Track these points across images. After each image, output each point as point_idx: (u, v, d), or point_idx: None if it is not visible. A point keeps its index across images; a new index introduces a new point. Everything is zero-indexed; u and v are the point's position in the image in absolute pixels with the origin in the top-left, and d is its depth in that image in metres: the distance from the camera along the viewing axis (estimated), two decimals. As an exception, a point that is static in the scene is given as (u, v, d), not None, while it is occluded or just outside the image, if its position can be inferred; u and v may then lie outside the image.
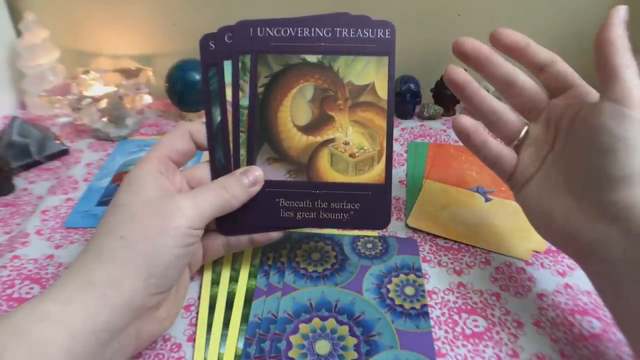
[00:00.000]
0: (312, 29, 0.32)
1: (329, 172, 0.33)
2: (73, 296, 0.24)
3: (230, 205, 0.30)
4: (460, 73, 0.33)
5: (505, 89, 0.33)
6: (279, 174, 0.33)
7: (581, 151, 0.28)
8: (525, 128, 0.33)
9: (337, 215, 0.33)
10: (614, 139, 0.26)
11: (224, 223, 0.33)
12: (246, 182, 0.31)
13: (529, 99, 0.33)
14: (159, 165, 0.30)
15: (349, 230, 0.40)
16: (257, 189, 0.32)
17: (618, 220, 0.26)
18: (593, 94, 0.30)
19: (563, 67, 0.32)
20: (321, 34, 0.32)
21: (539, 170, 0.31)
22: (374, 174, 0.33)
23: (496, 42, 0.33)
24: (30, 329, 0.22)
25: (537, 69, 0.32)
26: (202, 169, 0.33)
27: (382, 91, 0.32)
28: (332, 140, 0.33)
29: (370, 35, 0.32)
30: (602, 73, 0.28)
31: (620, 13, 0.28)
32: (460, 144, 0.52)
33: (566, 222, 0.29)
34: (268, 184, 0.33)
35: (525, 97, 0.33)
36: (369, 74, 0.32)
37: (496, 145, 0.33)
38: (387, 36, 0.32)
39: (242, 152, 0.33)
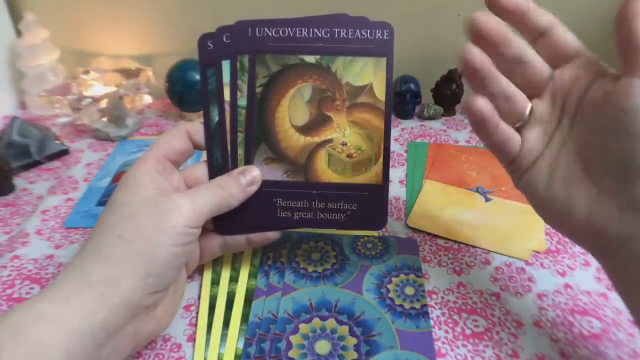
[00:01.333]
0: (311, 30, 0.32)
1: (326, 172, 0.33)
2: (70, 296, 0.24)
3: (227, 204, 0.30)
4: (478, 54, 0.29)
5: (514, 68, 0.29)
6: (276, 174, 0.33)
7: (603, 136, 0.25)
8: (529, 107, 0.29)
9: (334, 216, 0.33)
10: None
11: (221, 223, 0.33)
12: (244, 181, 0.31)
13: (536, 76, 0.29)
14: (156, 164, 0.30)
15: (346, 230, 0.40)
16: (254, 188, 0.32)
17: None
18: (602, 67, 0.27)
19: (563, 32, 0.28)
20: (319, 35, 0.32)
21: (545, 152, 0.29)
22: (371, 175, 0.33)
23: (494, 6, 0.29)
24: (27, 328, 0.22)
25: (536, 35, 0.29)
26: (200, 169, 0.33)
27: (380, 92, 0.32)
28: (329, 141, 0.33)
29: (369, 36, 0.32)
30: (627, 48, 0.24)
31: None
32: (461, 144, 0.53)
33: (589, 216, 0.26)
34: (265, 184, 0.33)
35: (532, 74, 0.29)
36: (367, 74, 0.32)
37: (506, 129, 0.29)
38: (385, 37, 0.32)
39: (240, 152, 0.33)
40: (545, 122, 0.29)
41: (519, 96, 0.30)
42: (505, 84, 0.29)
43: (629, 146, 0.24)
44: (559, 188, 0.27)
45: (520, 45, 0.29)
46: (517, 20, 0.29)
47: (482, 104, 0.29)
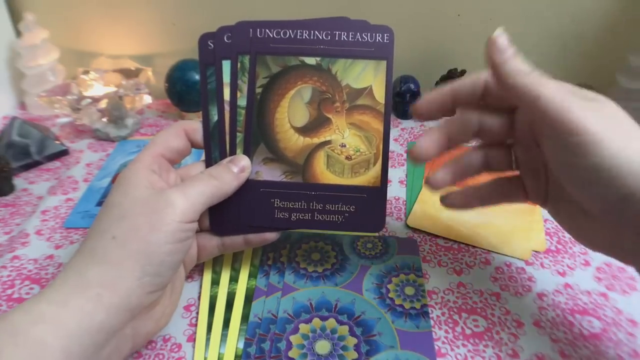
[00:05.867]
0: (312, 32, 0.32)
1: (324, 173, 0.33)
2: (68, 298, 0.24)
3: (221, 192, 0.30)
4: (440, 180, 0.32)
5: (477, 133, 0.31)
6: (274, 174, 0.33)
7: (558, 155, 0.26)
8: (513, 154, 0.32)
9: (332, 217, 0.33)
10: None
11: (218, 223, 0.33)
12: (235, 169, 0.31)
13: (501, 134, 0.31)
14: (151, 163, 0.30)
15: (343, 232, 0.40)
16: (246, 175, 0.32)
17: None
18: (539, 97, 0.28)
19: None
20: (320, 37, 0.32)
21: (548, 191, 0.30)
22: (369, 177, 0.33)
23: (420, 115, 0.31)
24: (27, 330, 0.22)
25: (479, 97, 0.30)
26: (198, 168, 0.33)
27: (380, 95, 0.32)
28: (328, 142, 0.33)
29: (369, 40, 0.32)
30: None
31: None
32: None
33: (601, 241, 0.28)
34: (263, 184, 0.33)
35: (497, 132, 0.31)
36: (366, 77, 0.32)
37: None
38: (385, 41, 0.32)
39: (239, 151, 0.33)
40: (529, 164, 0.31)
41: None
42: None
43: (573, 158, 0.24)
44: (564, 216, 0.30)
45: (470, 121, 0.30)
46: (458, 106, 0.31)
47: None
